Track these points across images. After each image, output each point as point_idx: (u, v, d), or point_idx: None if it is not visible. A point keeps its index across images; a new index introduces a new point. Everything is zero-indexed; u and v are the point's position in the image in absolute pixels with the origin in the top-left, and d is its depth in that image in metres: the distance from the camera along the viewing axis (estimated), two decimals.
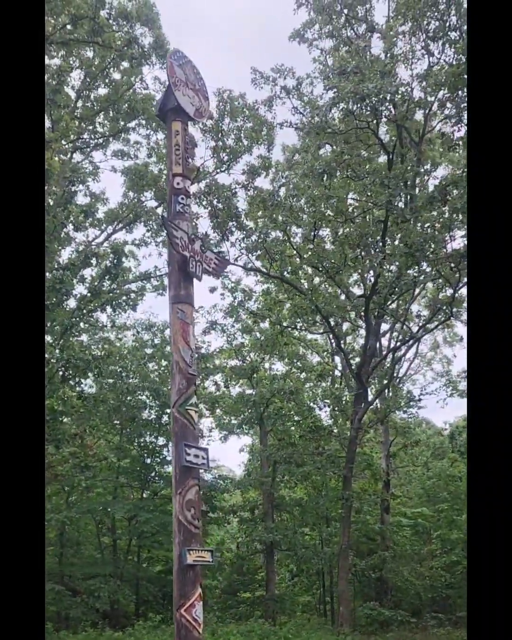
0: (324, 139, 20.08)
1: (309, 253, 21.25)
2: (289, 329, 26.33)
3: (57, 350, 18.32)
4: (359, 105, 17.30)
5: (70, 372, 18.62)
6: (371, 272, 22.69)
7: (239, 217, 21.37)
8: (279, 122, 22.62)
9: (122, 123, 24.98)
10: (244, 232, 21.44)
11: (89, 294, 20.15)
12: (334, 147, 20.95)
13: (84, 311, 20.55)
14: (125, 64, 23.95)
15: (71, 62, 23.88)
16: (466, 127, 17.07)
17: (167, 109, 9.87)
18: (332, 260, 21.02)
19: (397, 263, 18.56)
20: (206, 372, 28.63)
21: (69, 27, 22.17)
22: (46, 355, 18.31)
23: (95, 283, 20.20)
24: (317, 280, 25.61)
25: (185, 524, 8.31)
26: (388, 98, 17.12)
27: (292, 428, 27.74)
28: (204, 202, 21.88)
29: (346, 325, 29.64)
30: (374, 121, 19.55)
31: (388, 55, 19.57)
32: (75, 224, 21.39)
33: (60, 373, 18.32)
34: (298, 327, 27.09)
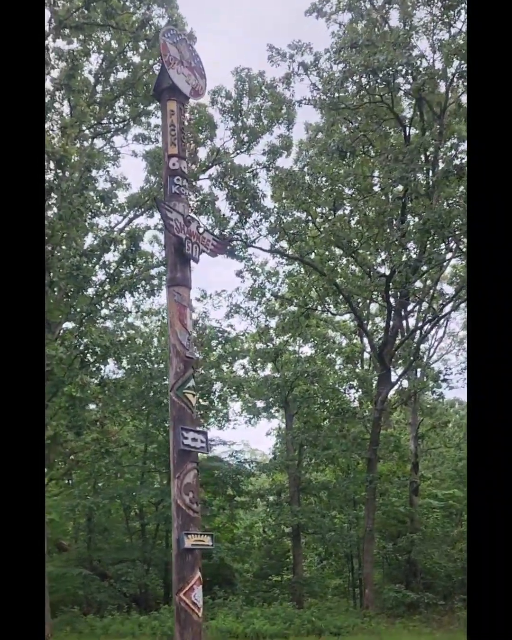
0: (339, 115, 19.63)
1: (325, 232, 20.83)
2: (313, 310, 25.93)
3: (76, 337, 18.26)
4: (371, 78, 16.78)
5: (89, 358, 18.57)
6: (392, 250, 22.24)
7: (256, 198, 21.06)
8: (298, 99, 22.24)
9: (140, 107, 24.74)
10: (262, 213, 21.14)
11: (107, 280, 20.06)
12: (352, 123, 20.46)
13: (103, 297, 20.45)
14: (143, 46, 23.67)
15: (89, 46, 23.64)
16: None
17: (162, 88, 9.66)
18: (351, 239, 20.60)
19: (414, 241, 18.10)
20: (232, 355, 28.50)
21: (85, 11, 21.93)
22: (65, 342, 18.28)
23: (114, 269, 20.09)
24: (344, 260, 25.17)
25: (183, 508, 8.26)
26: (401, 70, 16.57)
27: (318, 410, 27.43)
28: (222, 184, 21.67)
29: (374, 306, 29.20)
30: (389, 94, 18.97)
31: (406, 26, 19.03)
32: (93, 210, 21.24)
33: (79, 359, 18.27)
34: (323, 309, 26.72)
